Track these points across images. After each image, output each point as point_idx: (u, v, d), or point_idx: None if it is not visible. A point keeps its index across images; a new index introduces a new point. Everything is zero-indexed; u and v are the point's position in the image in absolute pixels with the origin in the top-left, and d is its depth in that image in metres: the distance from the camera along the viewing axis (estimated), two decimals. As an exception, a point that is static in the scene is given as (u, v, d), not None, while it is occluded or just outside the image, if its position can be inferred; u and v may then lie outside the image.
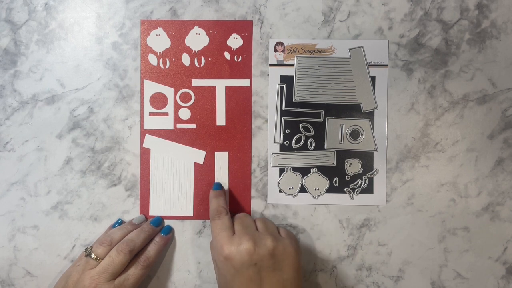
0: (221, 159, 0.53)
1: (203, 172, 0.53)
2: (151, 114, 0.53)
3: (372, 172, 0.53)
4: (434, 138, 0.53)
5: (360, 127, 0.53)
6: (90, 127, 0.53)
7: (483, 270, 0.53)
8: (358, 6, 0.53)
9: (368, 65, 0.53)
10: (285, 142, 0.53)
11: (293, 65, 0.53)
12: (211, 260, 0.52)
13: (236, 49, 0.53)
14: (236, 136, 0.53)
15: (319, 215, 0.53)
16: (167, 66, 0.53)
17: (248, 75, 0.53)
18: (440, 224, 0.53)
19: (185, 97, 0.53)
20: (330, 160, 0.53)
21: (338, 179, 0.53)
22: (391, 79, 0.53)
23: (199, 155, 0.53)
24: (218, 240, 0.46)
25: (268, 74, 0.53)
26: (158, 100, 0.53)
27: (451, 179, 0.53)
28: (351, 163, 0.53)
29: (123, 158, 0.53)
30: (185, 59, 0.53)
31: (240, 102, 0.53)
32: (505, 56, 0.53)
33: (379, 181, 0.53)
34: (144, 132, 0.53)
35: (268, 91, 0.53)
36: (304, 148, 0.53)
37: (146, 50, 0.53)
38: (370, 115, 0.53)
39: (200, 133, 0.53)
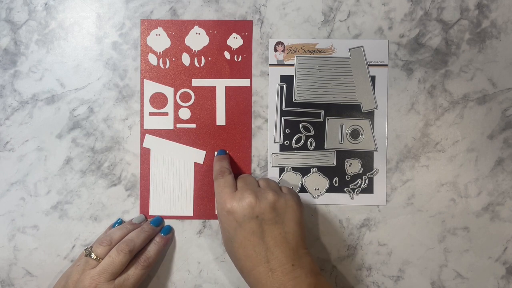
0: (221, 159, 0.53)
1: (203, 172, 0.53)
2: (151, 114, 0.53)
3: (372, 172, 0.53)
4: (434, 138, 0.53)
5: (360, 127, 0.53)
6: (90, 127, 0.53)
7: (483, 270, 0.53)
8: (358, 6, 0.53)
9: (368, 65, 0.53)
10: (285, 142, 0.53)
11: (293, 65, 0.53)
12: (211, 260, 0.53)
13: (236, 49, 0.53)
14: (236, 136, 0.53)
15: (319, 215, 0.53)
16: (167, 66, 0.53)
17: (248, 75, 0.53)
18: (440, 224, 0.53)
19: (185, 97, 0.53)
20: (330, 160, 0.53)
21: (338, 179, 0.53)
22: (391, 79, 0.53)
23: (199, 155, 0.53)
24: (221, 196, 0.47)
25: (268, 74, 0.53)
26: (158, 100, 0.53)
27: (451, 179, 0.53)
28: (351, 163, 0.53)
29: (123, 158, 0.53)
30: (185, 59, 0.53)
31: (240, 102, 0.53)
32: (505, 56, 0.53)
33: (379, 181, 0.53)
34: (144, 132, 0.53)
35: (268, 91, 0.53)
36: (304, 148, 0.53)
37: (146, 50, 0.53)
38: (370, 115, 0.53)
39: (200, 133, 0.53)
